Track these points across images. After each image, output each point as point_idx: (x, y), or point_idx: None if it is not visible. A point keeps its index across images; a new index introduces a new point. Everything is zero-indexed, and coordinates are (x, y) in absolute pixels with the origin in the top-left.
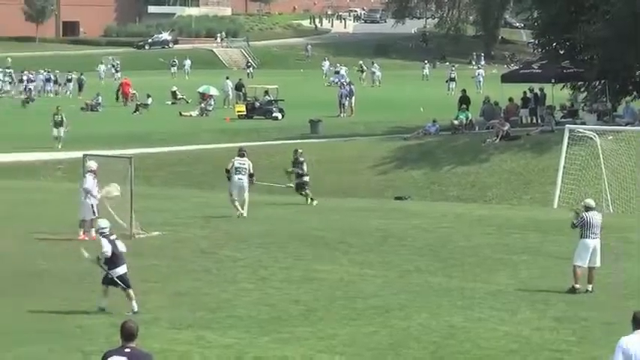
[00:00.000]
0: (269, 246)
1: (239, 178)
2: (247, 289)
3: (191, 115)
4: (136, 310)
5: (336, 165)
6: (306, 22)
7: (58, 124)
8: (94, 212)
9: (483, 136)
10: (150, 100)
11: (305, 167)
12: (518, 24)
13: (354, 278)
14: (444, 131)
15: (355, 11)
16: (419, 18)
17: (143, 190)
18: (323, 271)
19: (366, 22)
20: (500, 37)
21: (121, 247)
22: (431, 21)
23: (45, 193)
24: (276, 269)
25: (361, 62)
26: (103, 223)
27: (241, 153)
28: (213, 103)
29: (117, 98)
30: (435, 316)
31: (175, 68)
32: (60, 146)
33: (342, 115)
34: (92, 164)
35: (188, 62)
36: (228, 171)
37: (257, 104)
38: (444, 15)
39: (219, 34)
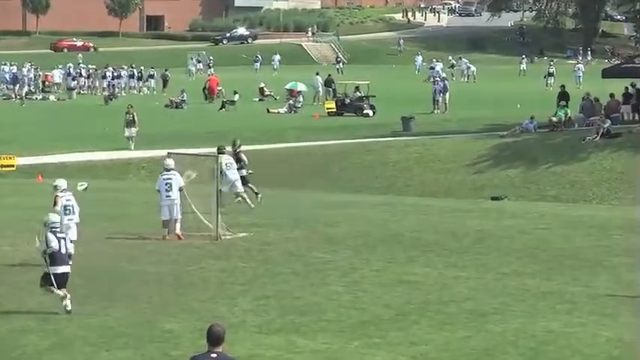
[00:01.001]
0: (360, 248)
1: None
2: (337, 293)
3: (279, 112)
4: (69, 309)
5: (429, 164)
6: (398, 16)
7: (130, 124)
8: (178, 211)
9: (583, 134)
10: (237, 97)
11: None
12: (619, 17)
13: (448, 281)
14: (541, 128)
15: (449, 4)
16: (515, 11)
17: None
18: (416, 273)
19: (460, 15)
20: (600, 31)
21: (69, 248)
22: (528, 14)
23: (129, 193)
24: (367, 272)
25: (451, 57)
26: (54, 218)
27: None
28: (301, 99)
29: (205, 97)
30: (533, 321)
31: (259, 64)
32: (133, 147)
33: (435, 111)
34: (169, 162)
35: (277, 57)
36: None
37: (347, 101)
38: (542, 7)
39: (309, 28)
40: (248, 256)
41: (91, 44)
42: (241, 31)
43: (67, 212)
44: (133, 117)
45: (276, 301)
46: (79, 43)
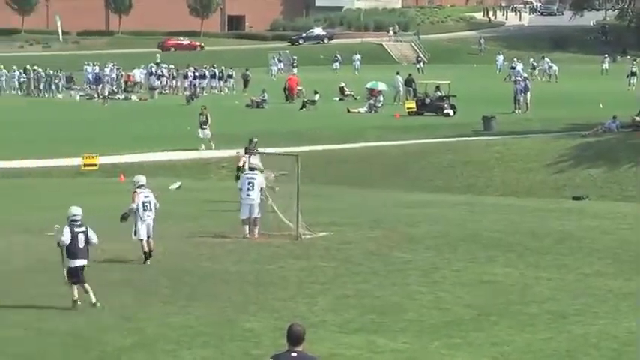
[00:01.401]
0: (441, 247)
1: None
2: (418, 292)
3: (359, 112)
4: (94, 301)
5: (510, 163)
6: (479, 15)
7: (204, 125)
8: (257, 211)
9: None
10: (317, 97)
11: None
12: None
13: (530, 281)
14: (624, 128)
15: (531, 3)
16: (598, 9)
17: (309, 189)
18: (497, 273)
19: (542, 14)
20: None
21: (91, 240)
22: (611, 12)
23: (209, 192)
24: (448, 272)
25: (532, 60)
26: (75, 210)
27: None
28: (382, 99)
29: (286, 97)
30: (615, 322)
31: (338, 64)
32: (203, 147)
33: (516, 111)
34: (253, 162)
35: (357, 57)
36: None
37: (428, 100)
38: (625, 6)
39: (391, 28)
40: (328, 255)
41: (198, 43)
42: (318, 31)
43: (145, 208)
44: (207, 118)
45: (357, 300)
46: (186, 42)
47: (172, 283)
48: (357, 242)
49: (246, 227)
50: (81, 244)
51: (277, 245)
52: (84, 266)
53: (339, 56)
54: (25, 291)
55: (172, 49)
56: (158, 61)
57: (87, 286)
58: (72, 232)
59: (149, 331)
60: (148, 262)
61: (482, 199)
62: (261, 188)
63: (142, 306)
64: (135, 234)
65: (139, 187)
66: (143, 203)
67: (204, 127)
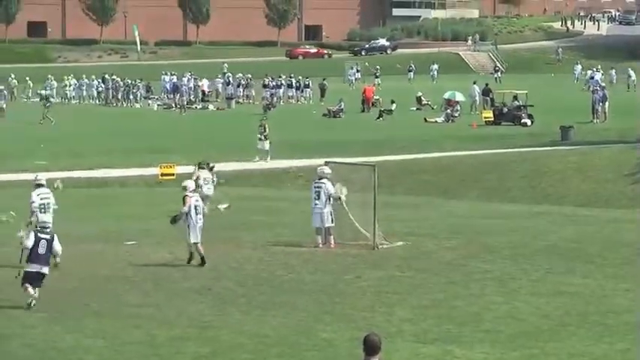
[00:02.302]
0: (518, 258)
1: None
2: (495, 303)
3: (436, 122)
4: (29, 301)
5: (588, 173)
6: (557, 24)
7: (262, 136)
8: (328, 220)
9: None
10: (394, 106)
11: None
12: None
13: (608, 292)
14: None
15: (609, 12)
16: None
17: (386, 199)
18: (574, 284)
19: (620, 23)
20: None
21: (54, 248)
22: None
23: (285, 201)
24: (525, 282)
25: (614, 71)
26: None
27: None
28: (459, 108)
29: (363, 107)
30: None
31: (412, 74)
32: (257, 159)
33: (595, 120)
34: (326, 170)
35: (435, 67)
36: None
37: (505, 110)
38: None
39: (470, 37)
40: (405, 265)
41: (326, 51)
42: (382, 41)
43: (197, 212)
44: (265, 129)
45: (434, 310)
46: (313, 50)
47: (248, 292)
48: (434, 252)
49: (319, 237)
50: (41, 250)
51: (354, 255)
52: (41, 274)
53: (413, 66)
54: (104, 300)
55: (300, 57)
56: (225, 71)
57: (37, 291)
58: (36, 237)
59: (225, 340)
60: (205, 265)
61: (559, 210)
62: (331, 196)
63: (218, 315)
64: (188, 237)
65: (191, 191)
66: (195, 207)
67: (263, 138)
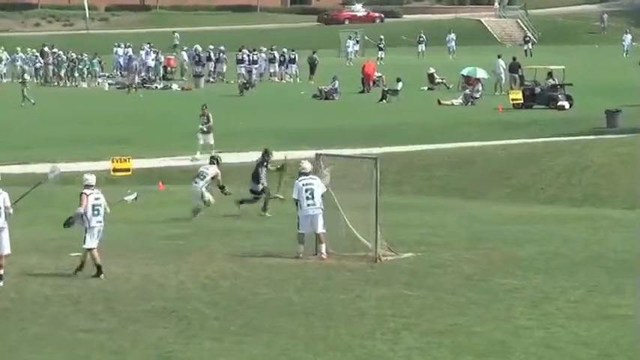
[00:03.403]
0: (554, 272)
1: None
2: (526, 328)
3: (452, 104)
4: None
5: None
6: None
7: (204, 127)
8: (320, 224)
9: None
10: (400, 86)
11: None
12: None
13: None
14: None
15: None
16: None
17: (392, 199)
18: (624, 305)
19: None
20: None
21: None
22: None
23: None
24: (562, 302)
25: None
26: None
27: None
28: (480, 88)
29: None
30: None
31: (424, 45)
32: (198, 155)
33: None
34: (305, 166)
35: (452, 37)
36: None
37: (538, 90)
38: None
39: (497, 1)
40: (414, 281)
41: (377, 14)
42: (358, 7)
43: (95, 213)
44: (208, 119)
45: (450, 337)
46: (360, 14)
47: (223, 314)
48: (450, 265)
49: (302, 245)
50: None
51: (351, 269)
52: None
53: (424, 36)
54: (44, 324)
55: (346, 22)
56: (177, 42)
57: None
58: None
59: None
60: (102, 276)
61: (605, 213)
62: (322, 195)
63: (184, 343)
64: (84, 242)
65: (88, 186)
66: (93, 207)
67: (206, 129)
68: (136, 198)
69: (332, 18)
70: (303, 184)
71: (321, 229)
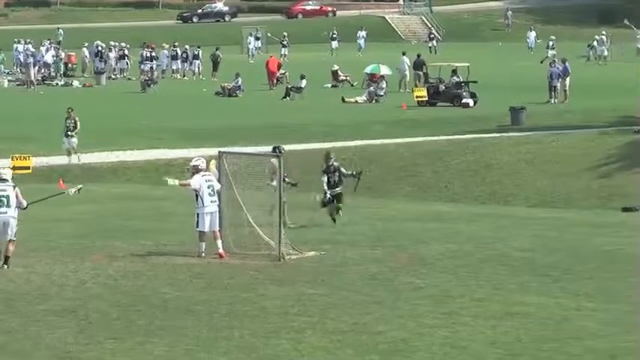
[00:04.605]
0: (458, 270)
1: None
2: (430, 326)
3: (357, 102)
4: None
5: (544, 166)
6: None
7: (70, 132)
8: (214, 222)
9: None
10: (304, 83)
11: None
12: None
13: (569, 314)
14: None
15: None
16: None
17: (295, 198)
18: (528, 303)
19: None
20: None
21: None
22: None
23: (170, 201)
24: (467, 301)
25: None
26: None
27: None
28: (385, 86)
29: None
30: None
31: (336, 42)
32: (71, 160)
33: (552, 101)
34: (200, 163)
35: (362, 34)
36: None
37: (442, 87)
38: None
39: None
40: (318, 280)
41: (330, 8)
42: (219, 5)
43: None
44: (75, 124)
45: (354, 336)
46: (311, 7)
47: (124, 314)
48: (354, 264)
49: (204, 244)
50: None
51: (255, 268)
52: None
53: (336, 33)
54: None
55: (299, 16)
56: (60, 38)
57: None
58: None
59: None
60: (6, 266)
61: (509, 211)
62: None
63: (85, 343)
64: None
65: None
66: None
67: (71, 134)
68: (79, 189)
69: (289, 11)
70: (206, 180)
71: (216, 227)
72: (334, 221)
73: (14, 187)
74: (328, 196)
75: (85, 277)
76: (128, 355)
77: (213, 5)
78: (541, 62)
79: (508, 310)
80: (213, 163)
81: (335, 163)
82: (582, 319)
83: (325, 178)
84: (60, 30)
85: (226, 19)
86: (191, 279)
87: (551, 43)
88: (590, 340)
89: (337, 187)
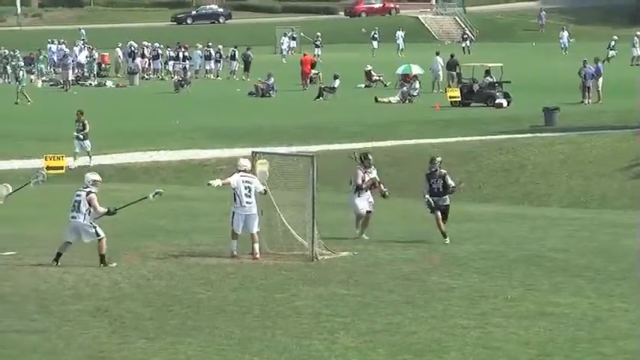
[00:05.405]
0: (491, 271)
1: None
2: (463, 327)
3: (390, 102)
4: None
5: (577, 166)
6: None
7: (80, 134)
8: (255, 224)
9: None
10: (337, 83)
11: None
12: None
13: (602, 314)
14: None
15: None
16: None
17: (328, 198)
18: (561, 304)
19: None
20: None
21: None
22: None
23: (204, 202)
24: (500, 301)
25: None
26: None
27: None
28: (418, 86)
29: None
30: None
31: (377, 42)
32: (73, 162)
33: (585, 101)
34: (243, 162)
35: (401, 34)
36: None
37: (475, 87)
38: None
39: None
40: (351, 280)
41: (392, 5)
42: (214, 7)
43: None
44: (84, 126)
45: (386, 337)
46: (377, 5)
47: (157, 314)
48: (387, 265)
49: (235, 243)
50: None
51: (287, 269)
52: None
53: (377, 33)
54: None
55: (363, 15)
56: (83, 37)
57: None
58: None
59: None
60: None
61: (543, 211)
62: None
63: (119, 343)
64: None
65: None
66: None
67: (82, 136)
68: (157, 194)
69: (352, 11)
70: (243, 181)
71: (255, 229)
72: (444, 236)
73: (88, 193)
74: (430, 201)
75: (118, 277)
76: (160, 355)
77: (209, 7)
78: (602, 62)
79: (541, 310)
80: (263, 164)
81: (442, 170)
82: (615, 319)
83: (427, 185)
84: (82, 30)
85: (221, 20)
86: (224, 279)
87: (612, 43)
88: (623, 340)
89: (441, 195)
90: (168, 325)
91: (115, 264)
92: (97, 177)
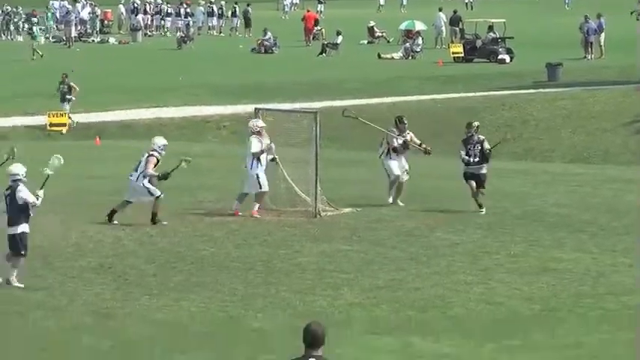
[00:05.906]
0: (494, 227)
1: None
2: (466, 283)
3: (393, 58)
4: (14, 284)
5: (580, 122)
6: None
7: (65, 98)
8: (259, 185)
9: None
10: (340, 39)
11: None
12: None
13: (605, 269)
14: None
15: None
16: None
17: (331, 155)
18: (564, 259)
19: None
20: None
21: (22, 198)
22: None
23: (207, 158)
24: (503, 257)
25: None
26: (15, 169)
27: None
28: (421, 42)
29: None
30: None
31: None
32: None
33: (588, 57)
34: (257, 123)
35: None
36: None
37: (478, 43)
38: None
39: None
40: (354, 237)
41: None
42: None
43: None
44: (69, 89)
45: (390, 292)
46: None
47: (160, 270)
48: (390, 221)
49: (237, 202)
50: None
51: (291, 225)
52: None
53: None
54: None
55: None
56: None
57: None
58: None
59: (132, 331)
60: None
61: (545, 167)
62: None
63: (122, 299)
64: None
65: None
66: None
67: (67, 98)
68: (187, 161)
69: None
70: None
71: (256, 189)
72: (480, 207)
73: (148, 155)
74: (467, 171)
75: (121, 233)
76: (164, 312)
77: None
78: (631, 13)
79: (544, 266)
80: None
81: (479, 136)
82: (618, 275)
83: (464, 150)
84: None
85: None
86: (227, 236)
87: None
88: (626, 295)
89: (478, 163)
90: (172, 282)
91: (166, 222)
92: (164, 142)
